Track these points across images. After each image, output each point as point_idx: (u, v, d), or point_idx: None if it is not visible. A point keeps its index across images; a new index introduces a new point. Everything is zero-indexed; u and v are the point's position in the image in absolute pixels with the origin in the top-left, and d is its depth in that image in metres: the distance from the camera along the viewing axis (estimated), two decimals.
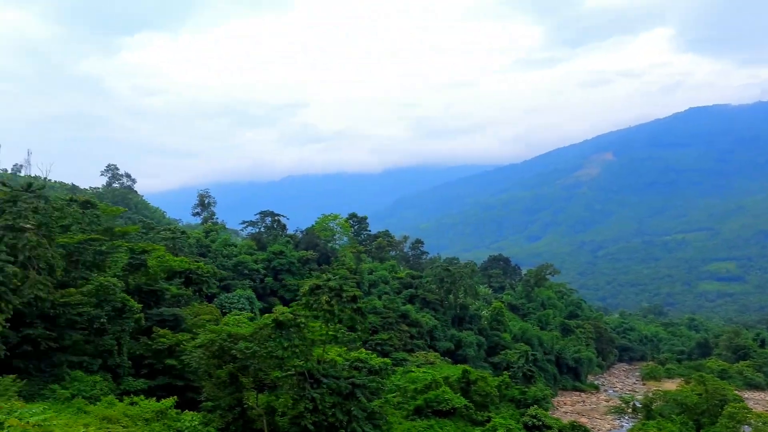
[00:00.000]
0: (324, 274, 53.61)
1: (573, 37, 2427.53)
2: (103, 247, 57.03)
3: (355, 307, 47.92)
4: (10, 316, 40.98)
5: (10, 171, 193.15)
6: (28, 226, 43.80)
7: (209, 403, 47.65)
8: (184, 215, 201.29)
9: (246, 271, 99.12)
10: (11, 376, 36.76)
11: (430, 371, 71.15)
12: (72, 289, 47.72)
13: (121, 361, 49.37)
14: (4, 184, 47.51)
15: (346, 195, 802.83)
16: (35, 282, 43.46)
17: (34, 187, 46.56)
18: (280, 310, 47.09)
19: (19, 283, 41.89)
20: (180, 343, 51.60)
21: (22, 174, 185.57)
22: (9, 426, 20.46)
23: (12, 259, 41.56)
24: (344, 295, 47.62)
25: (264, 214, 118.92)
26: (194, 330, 56.55)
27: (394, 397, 58.85)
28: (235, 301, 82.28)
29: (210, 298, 79.31)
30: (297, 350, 44.65)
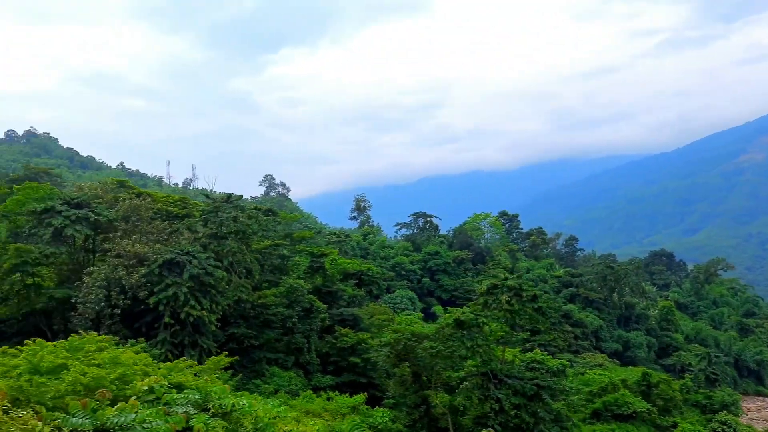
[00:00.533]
0: (500, 273, 53.34)
1: (727, 11, 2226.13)
2: (285, 252, 60.94)
3: (536, 306, 47.08)
4: (219, 316, 44.94)
5: (181, 185, 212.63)
6: (230, 233, 47.84)
7: (391, 401, 49.23)
8: (329, 219, 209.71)
9: (403, 272, 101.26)
10: (228, 372, 40.16)
11: (605, 373, 68.37)
12: (267, 291, 51.43)
13: (311, 358, 52.31)
14: (207, 196, 52.36)
15: (483, 193, 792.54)
16: (238, 285, 47.39)
17: (233, 199, 50.92)
18: (461, 310, 47.43)
19: (226, 286, 45.83)
20: (362, 341, 53.73)
21: (191, 187, 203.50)
22: (257, 416, 22.30)
23: (219, 264, 45.57)
24: (524, 294, 46.99)
25: (416, 215, 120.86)
26: (372, 329, 58.75)
27: (578, 399, 57.19)
28: (398, 301, 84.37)
29: (374, 299, 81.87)
30: (480, 350, 44.75)
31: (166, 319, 41.81)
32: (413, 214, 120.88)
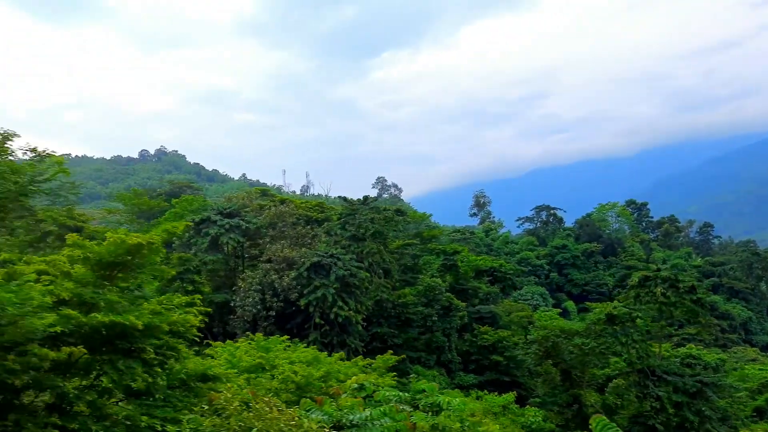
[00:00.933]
0: (651, 265, 50.57)
1: None
2: (416, 251, 61.16)
3: (694, 298, 44.09)
4: (364, 316, 45.75)
5: (298, 192, 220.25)
6: (368, 234, 48.63)
7: (537, 399, 47.88)
8: (439, 217, 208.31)
9: (530, 268, 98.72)
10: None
11: (765, 368, 63.06)
12: (405, 290, 51.83)
13: (452, 357, 52.03)
14: (345, 200, 53.67)
15: (598, 183, 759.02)
16: (378, 285, 48.03)
17: (369, 201, 51.83)
18: (613, 304, 45.31)
19: (368, 286, 46.60)
20: (502, 339, 52.77)
21: (308, 194, 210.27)
22: (464, 415, 22.35)
23: (361, 265, 46.42)
24: (681, 285, 44.14)
25: (539, 208, 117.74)
26: (511, 327, 57.60)
27: (744, 396, 53.13)
28: (529, 297, 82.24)
29: (505, 296, 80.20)
30: (636, 346, 42.52)
31: (317, 320, 43.12)
32: (536, 208, 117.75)
